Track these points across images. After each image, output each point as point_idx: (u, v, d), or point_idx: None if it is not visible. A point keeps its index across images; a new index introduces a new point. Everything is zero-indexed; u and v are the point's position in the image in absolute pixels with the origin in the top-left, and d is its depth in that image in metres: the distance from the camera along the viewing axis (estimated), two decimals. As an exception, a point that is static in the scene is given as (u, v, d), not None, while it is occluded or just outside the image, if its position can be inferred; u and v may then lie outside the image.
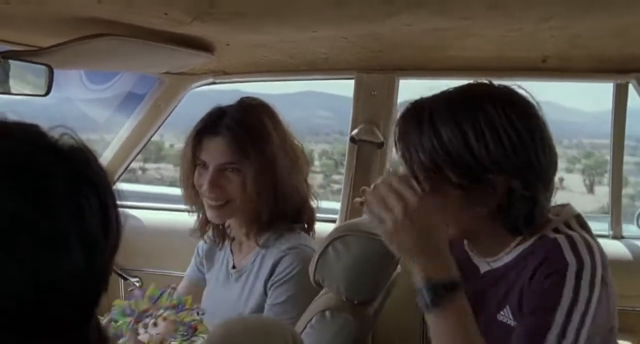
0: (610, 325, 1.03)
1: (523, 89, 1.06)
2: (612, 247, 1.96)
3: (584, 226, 1.07)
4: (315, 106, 5.18)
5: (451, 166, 1.00)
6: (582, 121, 5.25)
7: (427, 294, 0.95)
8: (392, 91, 1.97)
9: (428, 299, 0.95)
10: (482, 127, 0.98)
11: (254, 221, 1.49)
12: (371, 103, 1.96)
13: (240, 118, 1.47)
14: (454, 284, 0.95)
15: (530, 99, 1.05)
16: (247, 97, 1.54)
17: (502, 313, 1.05)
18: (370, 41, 1.61)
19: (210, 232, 1.64)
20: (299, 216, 1.52)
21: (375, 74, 1.97)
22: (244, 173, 1.44)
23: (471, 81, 1.10)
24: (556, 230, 1.04)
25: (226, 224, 1.61)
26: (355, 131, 1.96)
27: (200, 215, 1.61)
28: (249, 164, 1.43)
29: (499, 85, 1.06)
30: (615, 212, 2.00)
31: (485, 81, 1.08)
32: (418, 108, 1.05)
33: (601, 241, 1.96)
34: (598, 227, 2.07)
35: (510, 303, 1.04)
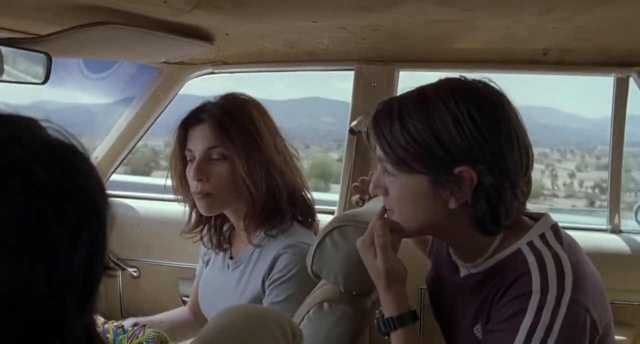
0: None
1: (493, 83, 1.08)
2: (610, 242, 1.97)
3: (559, 238, 1.08)
4: (320, 112, 5.20)
5: (422, 157, 1.03)
6: (582, 126, 5.29)
7: (378, 323, 1.12)
8: (392, 82, 1.97)
9: (378, 327, 1.12)
10: (446, 120, 1.00)
11: (251, 213, 1.49)
12: (371, 94, 1.95)
13: (222, 105, 1.50)
14: (401, 319, 1.09)
15: (502, 97, 1.06)
16: (233, 92, 1.55)
17: (476, 327, 1.09)
18: (370, 32, 1.60)
19: (206, 238, 1.64)
20: (294, 208, 1.51)
21: (375, 66, 1.96)
22: (232, 159, 1.45)
23: (449, 76, 1.11)
24: (531, 244, 1.06)
25: (224, 229, 1.62)
26: (354, 122, 1.96)
27: (194, 214, 1.60)
28: (234, 149, 1.44)
29: (473, 80, 1.08)
30: (614, 206, 2.00)
31: (458, 77, 1.10)
32: (389, 103, 1.09)
33: (599, 235, 2.00)
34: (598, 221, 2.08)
35: (481, 319, 1.08)
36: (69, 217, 0.53)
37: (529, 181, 1.08)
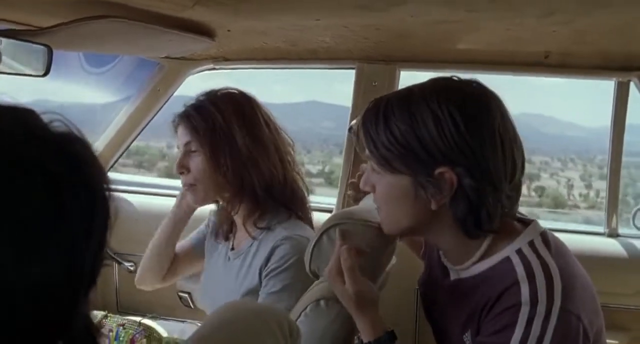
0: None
1: (481, 85, 1.06)
2: (607, 246, 1.97)
3: (548, 245, 1.07)
4: (319, 116, 5.19)
5: (403, 157, 1.02)
6: (580, 135, 5.29)
7: None
8: (392, 82, 1.97)
9: None
10: (428, 120, 1.00)
11: (233, 202, 1.54)
12: (371, 94, 1.95)
13: (197, 101, 1.56)
14: (379, 343, 1.08)
15: (490, 99, 1.04)
16: (218, 88, 1.58)
17: (466, 335, 1.09)
18: (372, 31, 1.60)
19: (217, 228, 1.69)
20: (273, 199, 1.52)
21: (376, 65, 1.96)
22: (202, 152, 1.50)
23: (443, 76, 1.11)
24: (520, 252, 1.04)
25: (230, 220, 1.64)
26: (354, 121, 1.95)
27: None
28: (200, 141, 1.50)
29: (464, 81, 1.07)
30: (611, 210, 2.00)
31: (449, 76, 1.09)
32: (377, 102, 1.08)
33: (596, 239, 2.00)
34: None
35: (471, 328, 1.08)
36: (85, 210, 0.54)
37: (516, 187, 1.06)
